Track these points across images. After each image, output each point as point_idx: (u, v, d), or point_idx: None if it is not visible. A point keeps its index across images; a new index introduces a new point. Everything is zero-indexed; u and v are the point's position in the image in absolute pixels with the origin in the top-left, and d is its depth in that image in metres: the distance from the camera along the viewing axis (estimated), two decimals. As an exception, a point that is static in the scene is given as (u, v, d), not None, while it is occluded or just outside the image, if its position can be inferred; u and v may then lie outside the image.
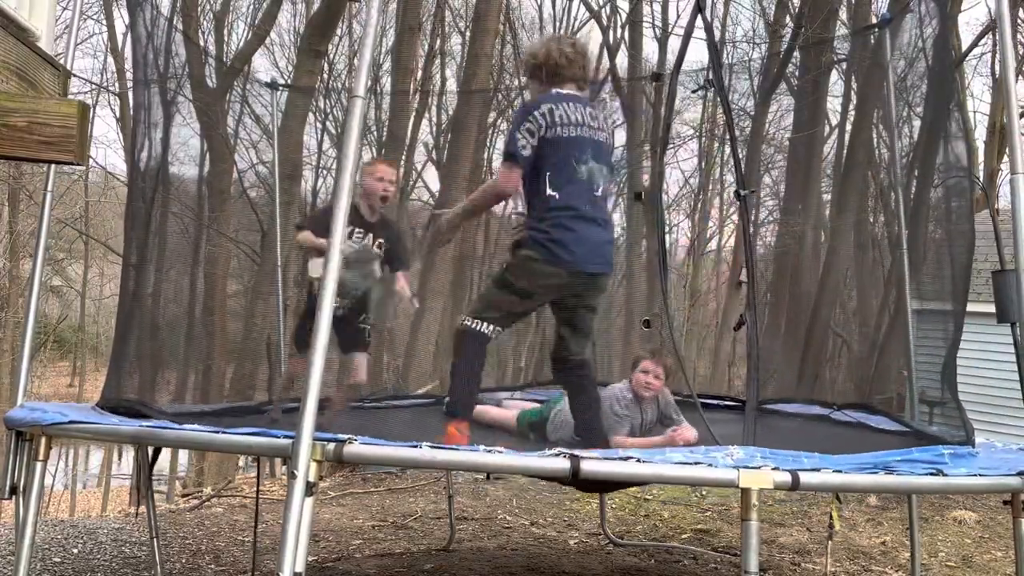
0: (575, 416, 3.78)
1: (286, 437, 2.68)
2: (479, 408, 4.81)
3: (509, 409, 4.78)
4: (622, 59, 17.93)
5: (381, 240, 4.53)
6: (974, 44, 16.82)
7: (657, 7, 19.22)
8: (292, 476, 2.49)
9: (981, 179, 14.41)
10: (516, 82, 18.89)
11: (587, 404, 3.71)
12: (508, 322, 3.56)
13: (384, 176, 4.47)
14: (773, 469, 2.64)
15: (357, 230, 4.54)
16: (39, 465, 3.28)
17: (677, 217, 20.46)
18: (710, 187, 19.59)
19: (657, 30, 18.45)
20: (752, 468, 2.64)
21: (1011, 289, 3.97)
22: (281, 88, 6.49)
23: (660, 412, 4.37)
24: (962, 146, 4.34)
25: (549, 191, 3.40)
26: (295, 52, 16.89)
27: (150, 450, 4.32)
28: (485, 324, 3.45)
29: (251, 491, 7.05)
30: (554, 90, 3.51)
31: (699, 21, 4.16)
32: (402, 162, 14.51)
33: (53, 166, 3.63)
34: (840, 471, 2.78)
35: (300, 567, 2.43)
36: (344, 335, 4.37)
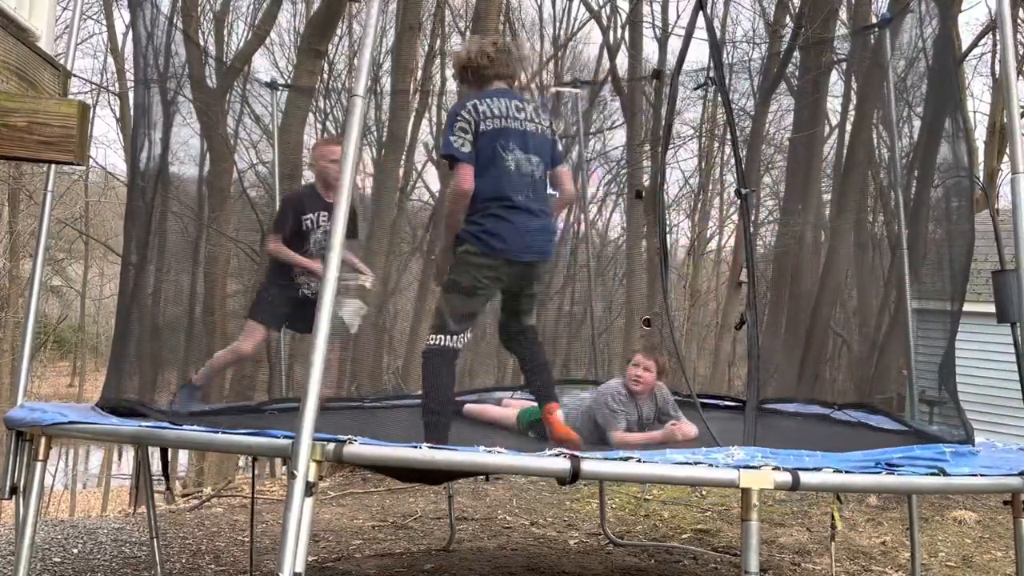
0: (527, 378, 3.85)
1: (286, 437, 2.68)
2: (480, 407, 4.82)
3: (509, 408, 4.78)
4: (622, 59, 17.93)
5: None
6: (974, 44, 16.79)
7: (657, 7, 19.20)
8: (292, 476, 2.49)
9: (981, 179, 14.40)
10: (515, 82, 18.86)
11: (536, 365, 3.78)
12: (468, 326, 3.60)
13: (335, 156, 4.43)
14: (774, 469, 2.64)
15: (322, 213, 4.55)
16: (39, 465, 3.28)
17: (677, 217, 20.45)
18: (710, 187, 19.58)
19: (657, 30, 18.43)
20: (753, 468, 2.64)
21: (1011, 289, 3.98)
22: (281, 88, 6.49)
23: (658, 409, 4.36)
24: (962, 146, 4.34)
25: (479, 183, 3.45)
26: (295, 52, 16.87)
27: (156, 451, 4.32)
28: (449, 337, 3.48)
29: (251, 491, 7.04)
30: (489, 88, 3.61)
31: (700, 20, 4.16)
32: (402, 162, 14.51)
33: (53, 166, 3.63)
34: (841, 471, 2.78)
35: (300, 567, 2.43)
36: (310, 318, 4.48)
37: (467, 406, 4.85)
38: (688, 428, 4.18)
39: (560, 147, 3.74)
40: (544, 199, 3.61)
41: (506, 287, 3.60)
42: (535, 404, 4.71)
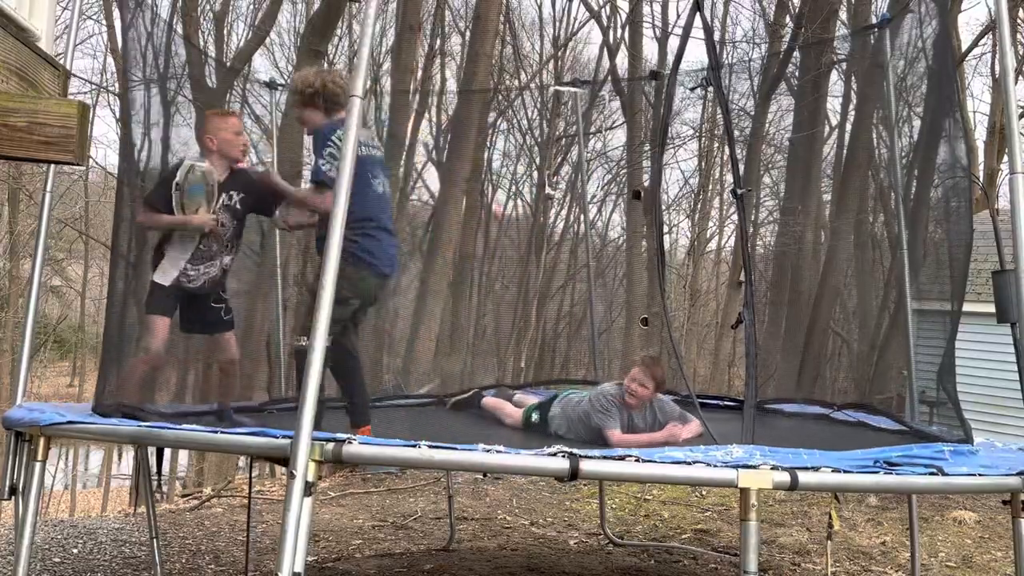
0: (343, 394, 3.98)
1: (285, 437, 2.69)
2: (498, 402, 4.88)
3: (519, 407, 4.81)
4: (622, 59, 17.92)
5: (243, 195, 4.15)
6: (974, 44, 16.81)
7: (657, 7, 19.20)
8: (291, 476, 2.49)
9: (981, 179, 14.41)
10: (516, 82, 18.88)
11: (355, 383, 3.95)
12: (334, 331, 3.79)
13: (241, 130, 4.24)
14: (772, 469, 2.64)
15: (229, 193, 4.10)
16: (38, 465, 3.28)
17: (677, 217, 20.46)
18: (710, 187, 19.58)
19: (657, 30, 18.44)
20: (751, 467, 2.64)
21: (1011, 289, 3.97)
22: (281, 88, 6.47)
23: (656, 421, 4.34)
24: (962, 146, 4.34)
25: (352, 206, 3.63)
26: (295, 52, 16.88)
27: (152, 451, 4.31)
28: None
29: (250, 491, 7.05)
30: (335, 117, 3.82)
31: (698, 20, 4.17)
32: (402, 162, 14.51)
33: (53, 166, 3.63)
34: (839, 470, 2.78)
35: (300, 567, 2.43)
36: (205, 317, 4.14)
37: (486, 398, 4.98)
38: (687, 432, 4.17)
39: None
40: (392, 218, 4.04)
41: (369, 298, 3.94)
42: (538, 399, 4.76)
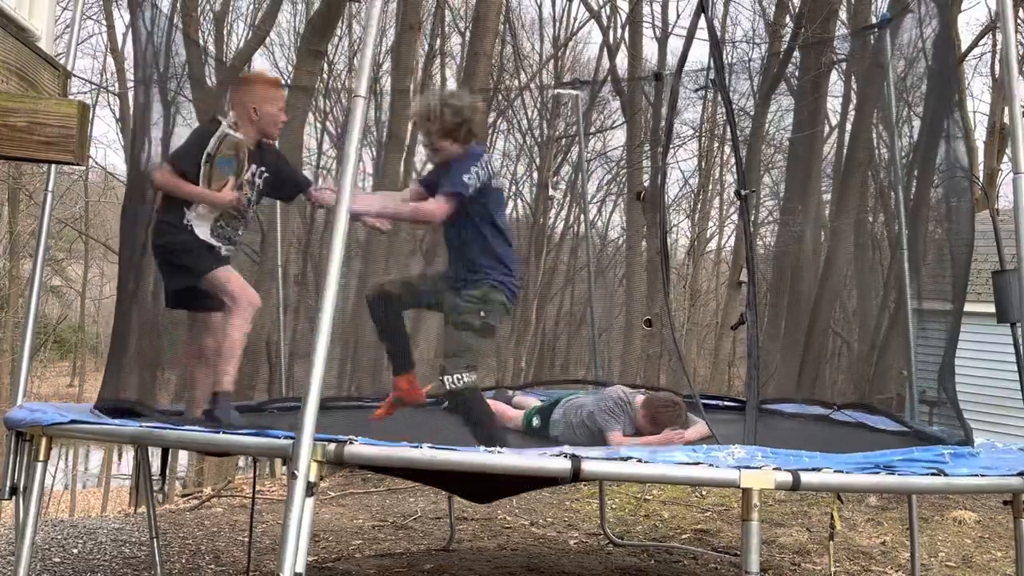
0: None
1: (286, 437, 2.69)
2: (494, 404, 4.86)
3: (519, 408, 4.80)
4: (622, 59, 17.94)
5: (267, 175, 3.90)
6: (974, 44, 16.78)
7: (657, 7, 19.22)
8: (292, 476, 2.49)
9: (981, 179, 14.41)
10: (516, 82, 18.88)
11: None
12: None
13: (283, 104, 3.96)
14: (774, 469, 2.64)
15: (258, 168, 3.86)
16: (39, 465, 3.28)
17: (677, 217, 20.47)
18: (710, 187, 19.59)
19: (657, 30, 18.45)
20: (753, 468, 2.64)
21: (1011, 289, 3.98)
22: (281, 88, 6.46)
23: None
24: (962, 146, 4.34)
25: (504, 239, 3.62)
26: (295, 52, 16.87)
27: (156, 451, 4.31)
28: (473, 373, 3.50)
29: (251, 491, 7.05)
30: (474, 144, 3.60)
31: (701, 21, 4.16)
32: (402, 162, 14.51)
33: (53, 166, 3.63)
34: (841, 471, 2.78)
35: (300, 567, 2.43)
36: (203, 293, 3.77)
37: None
38: (690, 436, 4.16)
39: None
40: None
41: None
42: (539, 403, 4.75)
